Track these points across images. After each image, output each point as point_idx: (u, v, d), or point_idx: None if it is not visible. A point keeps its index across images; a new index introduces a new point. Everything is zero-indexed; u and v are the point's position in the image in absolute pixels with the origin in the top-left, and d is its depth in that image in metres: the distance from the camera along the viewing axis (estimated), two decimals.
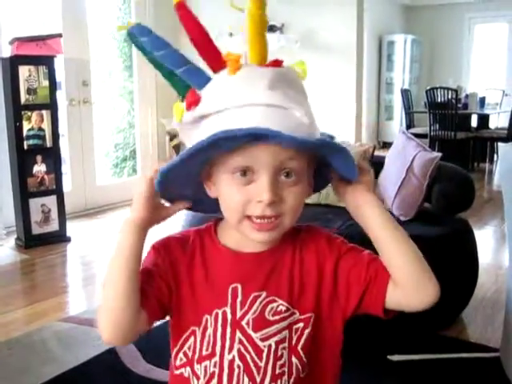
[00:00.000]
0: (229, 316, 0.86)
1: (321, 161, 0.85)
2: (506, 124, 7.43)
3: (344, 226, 2.34)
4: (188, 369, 0.88)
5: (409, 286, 0.83)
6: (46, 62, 3.98)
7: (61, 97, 4.57)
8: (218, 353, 0.86)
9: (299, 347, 0.86)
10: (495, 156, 7.76)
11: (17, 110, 3.89)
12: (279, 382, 0.85)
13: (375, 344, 2.33)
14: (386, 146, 8.86)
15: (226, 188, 0.82)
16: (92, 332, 2.57)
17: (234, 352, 0.85)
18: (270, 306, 0.86)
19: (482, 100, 7.77)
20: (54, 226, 4.09)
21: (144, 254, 0.88)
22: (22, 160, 3.93)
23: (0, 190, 4.15)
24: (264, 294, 0.87)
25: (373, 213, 0.85)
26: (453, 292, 2.54)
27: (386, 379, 2.19)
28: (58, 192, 4.13)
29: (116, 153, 5.73)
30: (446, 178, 2.73)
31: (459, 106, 7.17)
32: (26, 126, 3.92)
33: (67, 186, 4.64)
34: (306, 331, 0.87)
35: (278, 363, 0.85)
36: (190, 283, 0.88)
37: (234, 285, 0.87)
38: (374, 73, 9.41)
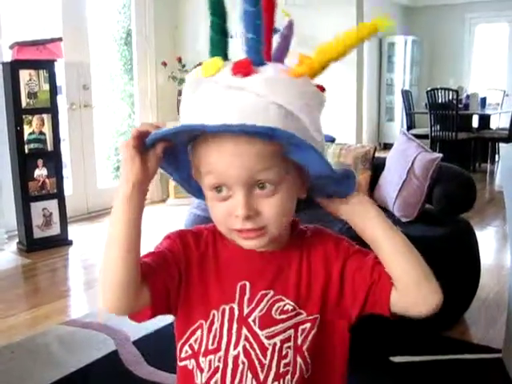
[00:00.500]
0: (236, 312, 0.87)
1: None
2: (507, 124, 7.42)
3: (345, 227, 2.33)
4: (193, 361, 0.89)
5: (409, 294, 0.83)
6: (47, 66, 4.00)
7: (61, 101, 4.58)
8: (223, 348, 0.87)
9: (304, 347, 0.86)
10: (496, 156, 7.75)
11: (18, 114, 3.90)
12: (282, 380, 0.86)
13: (377, 345, 2.32)
14: (387, 147, 8.86)
15: (209, 203, 0.84)
16: (94, 335, 2.58)
17: (240, 348, 0.86)
18: (276, 305, 0.87)
19: (483, 100, 7.77)
20: (55, 229, 4.10)
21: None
22: (23, 164, 3.94)
23: (1, 194, 4.16)
24: (271, 292, 0.88)
25: (372, 226, 0.85)
26: (455, 293, 2.53)
27: (388, 380, 2.19)
28: (60, 196, 4.14)
29: (117, 156, 5.73)
30: (447, 178, 2.73)
31: (460, 106, 7.17)
32: (26, 129, 3.94)
33: (68, 189, 4.65)
34: (312, 332, 0.87)
35: (283, 362, 0.86)
36: (201, 277, 0.89)
37: (243, 282, 0.88)
38: (374, 74, 9.42)
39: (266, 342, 0.86)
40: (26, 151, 3.95)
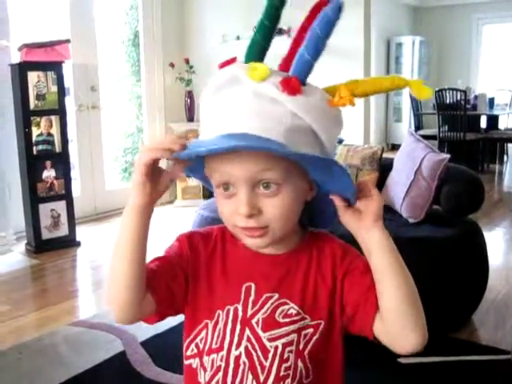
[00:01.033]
0: (240, 313, 0.88)
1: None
2: None
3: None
4: (197, 360, 0.90)
5: (392, 327, 0.82)
6: (55, 67, 4.02)
7: (69, 102, 4.61)
8: (225, 347, 0.87)
9: (306, 352, 0.86)
10: (505, 157, 7.72)
11: (26, 116, 3.92)
12: (282, 383, 0.86)
13: (385, 346, 2.32)
14: (395, 147, 8.84)
15: (217, 199, 0.86)
16: (102, 336, 2.59)
17: (241, 349, 0.87)
18: (280, 308, 0.87)
19: (491, 101, 7.73)
20: (63, 230, 4.12)
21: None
22: (32, 165, 3.96)
23: (10, 195, 4.18)
24: (276, 295, 0.88)
25: (378, 253, 0.83)
26: (463, 294, 2.53)
27: (396, 382, 2.18)
28: (68, 197, 4.16)
29: (125, 157, 5.75)
30: (455, 179, 2.72)
31: (468, 107, 7.14)
32: (35, 131, 3.96)
33: (76, 190, 4.67)
34: (314, 338, 0.87)
35: (284, 365, 0.86)
36: (208, 277, 0.90)
37: (248, 284, 0.89)
38: (382, 75, 9.40)
39: (267, 344, 0.86)
40: (35, 153, 3.97)
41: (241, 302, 0.88)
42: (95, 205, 5.08)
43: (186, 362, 0.92)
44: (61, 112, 4.08)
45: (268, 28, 0.84)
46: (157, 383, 2.17)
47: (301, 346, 0.86)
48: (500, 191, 6.24)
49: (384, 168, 3.04)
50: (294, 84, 0.79)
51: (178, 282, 0.88)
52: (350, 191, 0.82)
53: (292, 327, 0.86)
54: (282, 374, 0.85)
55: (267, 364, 0.86)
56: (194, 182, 5.28)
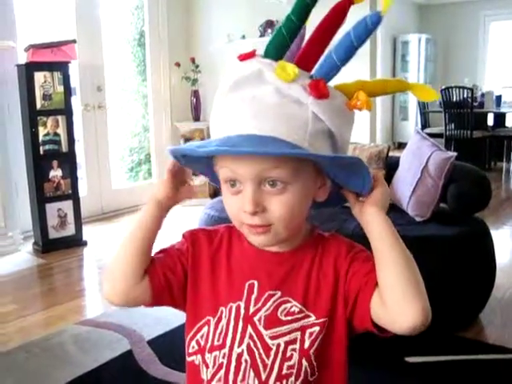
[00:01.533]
0: (242, 311, 0.88)
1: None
2: None
3: (358, 227, 2.32)
4: (199, 357, 0.90)
5: (391, 302, 0.79)
6: (61, 67, 4.03)
7: (76, 102, 4.62)
8: (227, 345, 0.87)
9: (311, 351, 0.86)
10: None
11: (32, 116, 3.94)
12: (285, 381, 0.85)
13: (392, 345, 2.31)
14: (401, 146, 8.81)
15: (224, 195, 0.87)
16: (109, 335, 2.59)
17: (244, 346, 0.87)
18: (283, 306, 0.87)
19: (499, 98, 7.69)
20: (70, 230, 4.13)
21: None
22: (39, 165, 3.98)
23: (17, 195, 4.20)
24: (279, 293, 0.88)
25: (375, 229, 0.84)
26: (470, 293, 2.52)
27: (404, 381, 2.17)
28: (74, 196, 4.17)
29: (131, 157, 5.76)
30: (461, 177, 2.71)
31: (475, 104, 7.11)
32: (41, 131, 3.97)
33: (83, 190, 4.68)
34: (321, 336, 0.87)
35: (286, 364, 0.85)
36: (212, 274, 0.91)
37: (251, 281, 0.89)
38: (388, 73, 9.36)
39: (269, 342, 0.86)
40: (41, 152, 3.99)
41: (243, 300, 0.88)
42: (102, 204, 5.09)
43: (189, 359, 0.93)
44: (67, 112, 4.09)
45: (295, 24, 0.84)
46: (164, 382, 2.18)
47: (306, 345, 0.86)
48: (507, 189, 6.22)
49: (390, 166, 3.04)
50: (323, 88, 0.80)
51: (176, 274, 0.91)
52: (367, 188, 0.83)
53: (295, 325, 0.86)
54: (284, 372, 0.85)
55: (269, 362, 0.86)
56: (200, 181, 5.28)
